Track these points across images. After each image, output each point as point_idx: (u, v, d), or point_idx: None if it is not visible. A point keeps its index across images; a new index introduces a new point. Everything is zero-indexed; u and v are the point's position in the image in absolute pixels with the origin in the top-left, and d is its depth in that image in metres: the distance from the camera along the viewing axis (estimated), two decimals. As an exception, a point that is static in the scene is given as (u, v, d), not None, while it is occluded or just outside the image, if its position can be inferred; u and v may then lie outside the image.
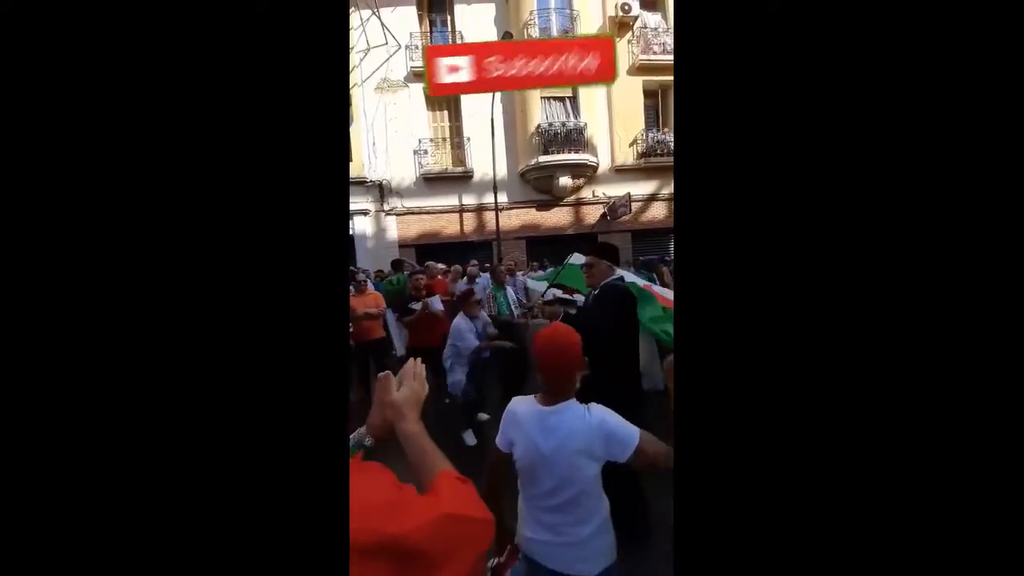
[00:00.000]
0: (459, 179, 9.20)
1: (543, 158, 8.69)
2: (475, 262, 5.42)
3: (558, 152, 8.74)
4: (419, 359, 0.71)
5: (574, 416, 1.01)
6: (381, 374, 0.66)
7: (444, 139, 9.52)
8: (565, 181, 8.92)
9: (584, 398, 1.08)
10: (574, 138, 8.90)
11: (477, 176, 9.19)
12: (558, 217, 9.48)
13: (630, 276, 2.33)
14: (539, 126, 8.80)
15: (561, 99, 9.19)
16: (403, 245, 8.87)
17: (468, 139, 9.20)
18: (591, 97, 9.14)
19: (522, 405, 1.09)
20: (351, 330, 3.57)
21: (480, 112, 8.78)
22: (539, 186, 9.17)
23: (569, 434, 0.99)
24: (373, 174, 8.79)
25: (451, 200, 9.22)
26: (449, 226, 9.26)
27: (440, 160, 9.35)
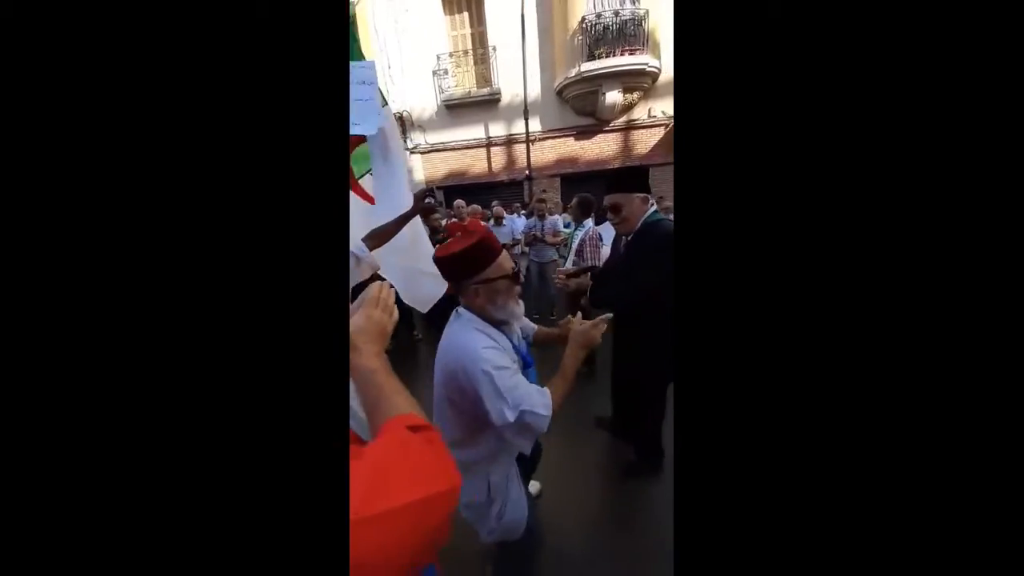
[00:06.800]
0: (485, 103, 7.74)
1: (587, 65, 6.73)
2: (496, 203, 4.89)
3: (607, 55, 6.66)
4: (388, 283, 0.60)
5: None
6: None
7: (466, 52, 7.87)
8: (614, 97, 6.93)
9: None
10: (630, 32, 6.64)
11: (505, 99, 7.63)
12: (602, 146, 7.63)
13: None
14: (584, 19, 6.68)
15: (615, -25, 6.73)
16: (431, 187, 8.15)
17: (494, 49, 7.48)
18: (657, -34, 6.51)
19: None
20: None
21: (509, 11, 6.93)
22: (580, 106, 7.30)
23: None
24: (393, 104, 7.83)
25: (477, 131, 7.92)
26: (476, 163, 8.12)
27: (462, 81, 7.86)
